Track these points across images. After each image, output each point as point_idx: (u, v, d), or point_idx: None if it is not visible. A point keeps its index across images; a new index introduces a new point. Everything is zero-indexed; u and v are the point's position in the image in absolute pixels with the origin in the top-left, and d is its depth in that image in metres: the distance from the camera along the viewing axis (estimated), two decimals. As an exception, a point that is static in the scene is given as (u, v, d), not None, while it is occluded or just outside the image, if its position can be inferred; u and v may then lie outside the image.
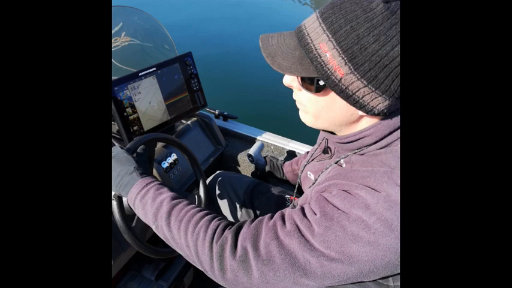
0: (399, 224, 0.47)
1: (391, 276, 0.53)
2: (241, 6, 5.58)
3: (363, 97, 0.51)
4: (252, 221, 0.58)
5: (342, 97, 0.53)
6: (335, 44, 0.49)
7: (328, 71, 0.50)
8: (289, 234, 0.52)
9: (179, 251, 0.62)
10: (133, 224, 0.81)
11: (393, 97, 0.50)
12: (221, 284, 0.57)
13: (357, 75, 0.49)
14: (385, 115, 0.54)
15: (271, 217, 0.57)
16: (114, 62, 1.22)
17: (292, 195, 0.99)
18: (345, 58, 0.48)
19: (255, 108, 3.11)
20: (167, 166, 1.13)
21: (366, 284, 0.57)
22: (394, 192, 0.48)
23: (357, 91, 0.51)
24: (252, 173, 1.25)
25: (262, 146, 1.23)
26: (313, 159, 0.77)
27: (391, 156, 0.53)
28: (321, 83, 0.53)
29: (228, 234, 0.56)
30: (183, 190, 1.16)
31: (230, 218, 1.08)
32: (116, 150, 0.76)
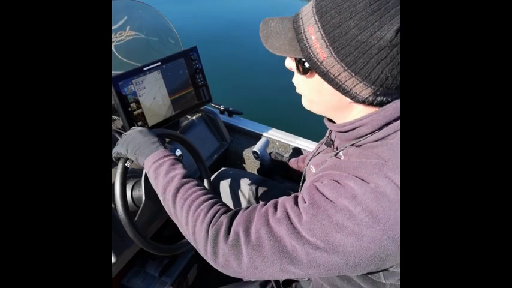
0: (385, 216, 0.46)
1: (382, 271, 0.53)
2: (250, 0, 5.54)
3: (345, 82, 0.52)
4: (247, 208, 0.59)
5: (324, 80, 0.54)
6: (320, 27, 0.50)
7: (311, 53, 0.52)
8: (279, 221, 0.52)
9: (179, 227, 0.64)
10: (136, 219, 0.80)
11: (375, 85, 0.50)
12: (214, 266, 0.58)
13: (337, 58, 0.50)
14: (371, 104, 0.54)
15: (265, 204, 0.58)
16: (118, 57, 1.20)
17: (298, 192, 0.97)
18: (327, 41, 0.50)
19: (260, 103, 3.10)
20: (171, 162, 1.12)
21: (356, 281, 0.56)
22: (383, 184, 0.48)
23: (338, 75, 0.52)
24: (258, 170, 1.24)
25: (267, 143, 1.22)
26: (318, 153, 0.76)
27: (386, 149, 0.52)
28: (307, 64, 0.55)
29: (224, 219, 0.57)
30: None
31: (235, 215, 1.07)
32: (141, 127, 0.80)
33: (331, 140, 0.71)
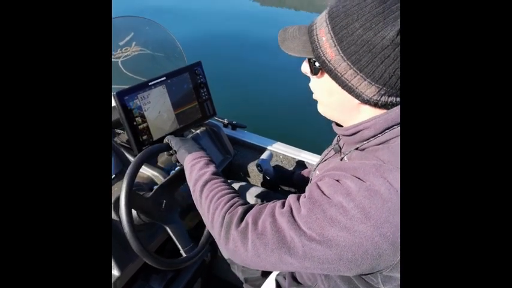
0: (377, 213, 0.49)
1: (377, 272, 0.53)
2: (255, 15, 5.62)
3: (351, 80, 0.55)
4: (262, 203, 0.65)
5: (332, 78, 0.58)
6: (330, 29, 0.55)
7: (321, 52, 0.57)
8: (282, 214, 0.57)
9: (201, 215, 0.72)
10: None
11: (379, 83, 0.54)
12: (224, 252, 0.62)
13: (344, 57, 0.54)
14: (377, 104, 0.57)
15: (276, 201, 0.62)
16: (124, 72, 1.22)
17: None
18: (335, 41, 0.54)
19: (264, 117, 3.11)
20: (176, 175, 1.13)
21: (354, 283, 0.60)
22: (378, 183, 0.50)
23: (345, 73, 0.55)
24: (262, 183, 1.24)
25: (271, 156, 1.22)
26: (325, 160, 0.78)
27: (387, 151, 0.55)
28: (317, 64, 0.59)
29: (240, 209, 0.64)
30: (191, 200, 1.15)
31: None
32: None
33: (339, 146, 0.74)
